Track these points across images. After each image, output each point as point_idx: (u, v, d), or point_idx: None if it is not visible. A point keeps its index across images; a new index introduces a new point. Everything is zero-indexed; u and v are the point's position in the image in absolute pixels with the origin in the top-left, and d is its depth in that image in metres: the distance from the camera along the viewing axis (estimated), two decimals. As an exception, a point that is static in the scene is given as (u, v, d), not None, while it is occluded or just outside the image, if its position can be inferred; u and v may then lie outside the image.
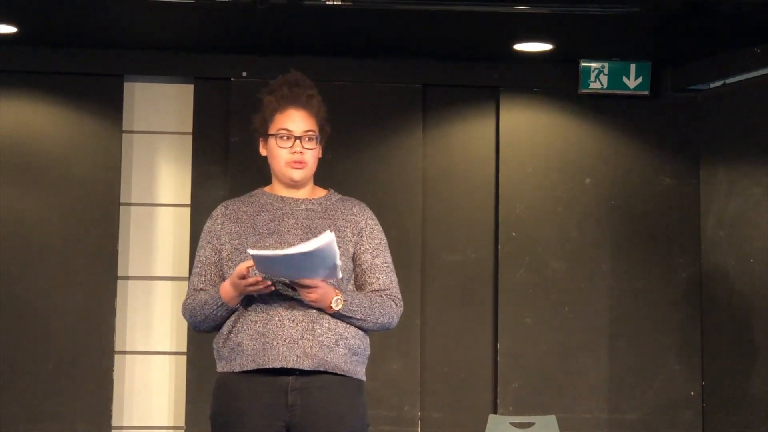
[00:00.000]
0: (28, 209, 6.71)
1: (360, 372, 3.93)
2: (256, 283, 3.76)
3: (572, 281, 6.89)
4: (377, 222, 4.03)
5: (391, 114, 6.91)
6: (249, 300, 3.87)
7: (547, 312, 6.86)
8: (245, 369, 3.84)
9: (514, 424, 6.51)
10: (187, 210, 6.84)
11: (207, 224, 4.04)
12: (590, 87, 6.85)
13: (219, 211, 4.04)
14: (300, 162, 3.96)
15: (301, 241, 3.85)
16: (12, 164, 6.72)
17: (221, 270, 3.96)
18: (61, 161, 6.75)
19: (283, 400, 3.83)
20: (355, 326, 3.89)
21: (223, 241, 3.96)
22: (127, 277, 6.81)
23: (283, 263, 3.71)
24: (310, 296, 3.79)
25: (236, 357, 3.86)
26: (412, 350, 6.76)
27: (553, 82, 6.97)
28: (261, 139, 4.03)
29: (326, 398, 3.83)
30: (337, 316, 3.84)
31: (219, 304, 3.87)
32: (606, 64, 6.83)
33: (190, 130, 6.89)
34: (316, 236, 3.85)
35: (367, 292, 3.93)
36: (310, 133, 3.98)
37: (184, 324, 6.74)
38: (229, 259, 3.92)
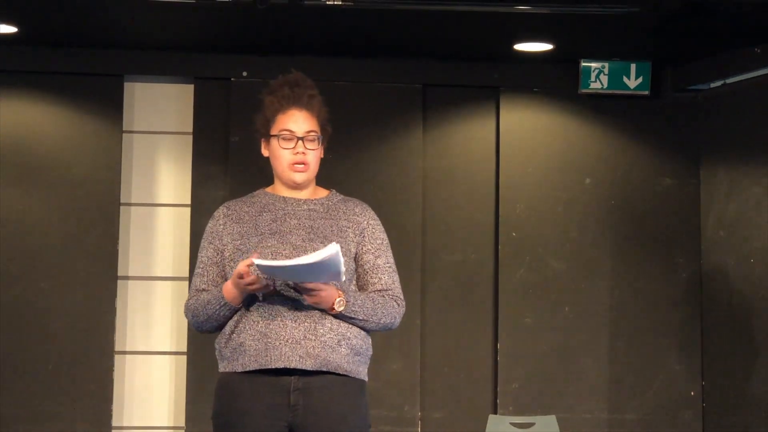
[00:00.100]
0: (28, 209, 6.71)
1: (362, 372, 3.93)
2: (255, 282, 3.76)
3: (572, 281, 6.89)
4: (379, 222, 4.02)
5: (391, 114, 6.91)
6: (251, 300, 3.87)
7: (547, 312, 6.86)
8: (247, 369, 3.84)
9: (514, 424, 6.51)
10: (187, 210, 6.83)
11: (209, 225, 4.04)
12: (590, 87, 6.85)
13: (221, 211, 4.04)
14: (302, 163, 3.96)
15: (303, 241, 3.86)
16: (12, 164, 6.72)
17: (223, 270, 3.96)
18: (61, 161, 6.75)
19: (285, 400, 3.83)
20: (358, 326, 3.89)
21: (225, 241, 3.96)
22: (127, 277, 6.81)
23: (288, 272, 3.72)
24: (313, 299, 3.79)
25: (238, 357, 3.86)
26: (412, 350, 6.76)
27: (553, 82, 6.97)
28: (263, 139, 4.03)
29: (328, 398, 3.83)
30: (339, 316, 3.84)
31: (222, 303, 3.87)
32: (606, 64, 6.83)
33: (191, 130, 6.89)
34: (318, 236, 3.86)
35: (370, 293, 3.93)
36: (312, 133, 3.98)
37: (184, 324, 6.75)
38: (231, 260, 3.92)
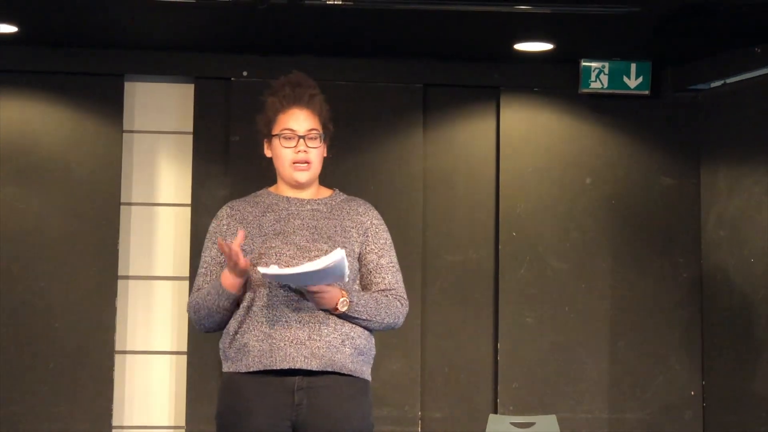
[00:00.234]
0: (28, 209, 6.71)
1: (366, 372, 3.94)
2: (236, 258, 3.74)
3: (573, 281, 6.89)
4: (383, 222, 4.03)
5: (391, 114, 6.91)
6: (255, 301, 3.86)
7: (547, 312, 6.86)
8: (251, 370, 3.84)
9: (514, 424, 6.51)
10: (188, 210, 6.84)
11: (212, 224, 4.04)
12: (591, 87, 6.85)
13: (224, 211, 4.04)
14: (304, 162, 3.96)
15: (308, 241, 3.86)
16: (12, 164, 6.72)
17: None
18: (61, 161, 6.75)
19: (289, 400, 3.83)
20: (361, 326, 3.90)
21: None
22: (127, 277, 6.81)
23: (293, 278, 3.74)
24: (317, 300, 3.80)
25: (242, 357, 3.86)
26: (412, 350, 6.76)
27: (553, 81, 6.97)
28: (265, 140, 4.03)
29: (332, 398, 3.83)
30: (343, 316, 3.85)
31: (220, 292, 3.87)
32: (606, 64, 6.83)
33: (191, 129, 6.89)
34: (322, 237, 3.87)
35: (373, 293, 3.93)
36: (314, 132, 3.98)
37: (185, 324, 6.75)
38: None
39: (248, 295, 3.88)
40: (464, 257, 6.90)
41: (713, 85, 6.89)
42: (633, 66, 6.83)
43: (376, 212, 4.04)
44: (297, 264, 3.83)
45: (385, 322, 3.92)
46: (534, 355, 6.83)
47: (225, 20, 6.28)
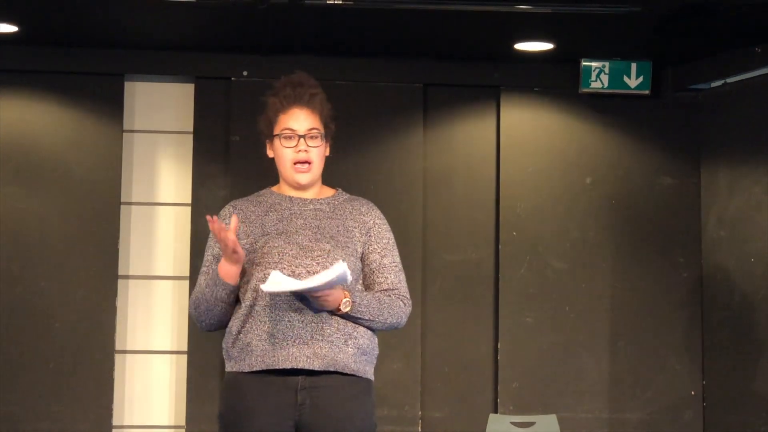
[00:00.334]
0: (28, 209, 6.71)
1: (369, 372, 3.94)
2: (225, 237, 3.75)
3: (573, 281, 6.89)
4: (385, 222, 4.03)
5: (391, 113, 6.91)
6: (257, 300, 3.86)
7: (547, 311, 6.86)
8: (254, 369, 3.84)
9: (514, 424, 6.51)
10: (188, 209, 6.84)
11: None
12: (591, 86, 6.85)
13: (227, 210, 4.03)
14: (305, 162, 3.96)
15: (310, 241, 3.87)
16: (12, 164, 6.72)
17: None
18: (61, 160, 6.75)
19: (292, 399, 3.83)
20: (364, 326, 3.90)
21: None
22: (127, 277, 6.81)
23: (297, 292, 3.76)
24: (320, 301, 3.80)
25: (245, 357, 3.86)
26: (412, 349, 6.76)
27: (553, 81, 6.97)
28: (267, 140, 4.03)
29: (335, 398, 3.83)
30: (345, 316, 3.85)
31: (217, 282, 3.87)
32: (607, 64, 6.83)
33: (191, 129, 6.89)
34: (324, 236, 3.88)
35: (376, 292, 3.93)
36: (314, 131, 3.98)
37: (185, 323, 6.75)
38: None
39: (251, 295, 3.88)
40: (464, 257, 6.90)
41: (713, 84, 6.89)
42: (633, 66, 6.83)
43: (379, 212, 4.04)
44: (299, 263, 3.84)
45: (388, 321, 3.93)
46: (534, 354, 6.83)
47: (225, 20, 6.28)
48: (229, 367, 3.93)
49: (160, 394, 6.80)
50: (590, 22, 6.12)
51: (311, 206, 3.98)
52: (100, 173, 6.75)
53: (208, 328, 4.01)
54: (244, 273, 3.90)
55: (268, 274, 3.81)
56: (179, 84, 6.93)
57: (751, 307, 6.53)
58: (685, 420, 6.81)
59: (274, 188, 4.05)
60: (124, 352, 6.78)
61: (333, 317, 3.85)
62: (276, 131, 3.98)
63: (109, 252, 6.72)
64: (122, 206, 6.80)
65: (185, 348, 6.75)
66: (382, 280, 3.96)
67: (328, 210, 3.98)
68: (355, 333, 3.87)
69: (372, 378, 3.96)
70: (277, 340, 3.82)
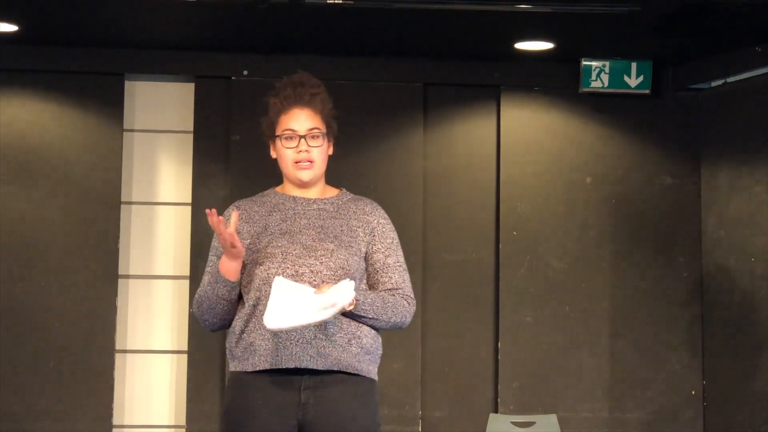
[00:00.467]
0: (29, 208, 6.71)
1: (372, 371, 3.93)
2: (224, 231, 3.75)
3: (573, 280, 6.89)
4: (389, 221, 4.03)
5: (392, 113, 6.91)
6: (260, 300, 3.85)
7: (547, 311, 6.86)
8: (258, 369, 3.84)
9: (515, 423, 6.52)
10: (188, 209, 6.84)
11: None
12: (591, 86, 6.85)
13: (231, 210, 4.03)
14: (306, 161, 3.96)
15: (314, 241, 3.87)
16: (13, 163, 6.72)
17: None
18: (62, 160, 6.75)
19: (295, 399, 3.82)
20: (368, 325, 3.89)
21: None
22: (127, 276, 6.81)
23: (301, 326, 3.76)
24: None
25: (249, 357, 3.86)
26: (413, 349, 6.76)
27: (554, 80, 6.97)
28: (270, 141, 4.03)
29: (339, 397, 3.83)
30: (349, 315, 3.84)
31: (218, 279, 3.87)
32: (607, 63, 6.83)
33: (191, 128, 6.89)
34: (328, 236, 3.89)
35: (380, 292, 3.93)
36: (315, 131, 3.98)
37: (185, 323, 6.75)
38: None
39: (254, 294, 3.87)
40: (464, 257, 6.90)
41: (714, 84, 6.89)
42: (633, 65, 6.83)
43: (382, 212, 4.04)
44: (303, 263, 3.83)
45: (392, 321, 3.92)
46: (534, 354, 6.82)
47: (225, 19, 6.28)
48: (233, 366, 3.92)
49: (160, 394, 6.80)
50: (590, 21, 6.12)
51: (315, 206, 3.98)
52: (101, 172, 6.75)
53: (212, 328, 4.00)
54: (247, 272, 3.89)
55: (272, 274, 3.82)
56: (179, 83, 6.93)
57: (751, 306, 6.53)
58: (686, 420, 6.81)
59: (278, 188, 4.05)
60: (125, 351, 6.78)
61: (336, 317, 3.84)
62: (278, 132, 3.98)
63: (109, 251, 6.72)
64: (122, 206, 6.80)
65: (185, 348, 6.75)
66: (386, 280, 3.95)
67: (331, 210, 3.98)
68: (358, 332, 3.87)
69: (376, 378, 3.95)
70: (280, 340, 3.82)
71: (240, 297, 3.94)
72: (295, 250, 3.87)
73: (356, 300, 3.81)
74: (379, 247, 3.97)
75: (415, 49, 6.79)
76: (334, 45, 6.73)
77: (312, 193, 4.01)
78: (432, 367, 6.82)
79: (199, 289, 3.98)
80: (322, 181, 4.05)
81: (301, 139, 3.96)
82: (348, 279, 3.80)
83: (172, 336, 6.82)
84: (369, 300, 3.86)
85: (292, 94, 3.99)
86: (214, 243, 4.00)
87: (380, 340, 3.96)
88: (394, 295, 3.93)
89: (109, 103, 6.80)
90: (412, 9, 5.95)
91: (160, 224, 6.88)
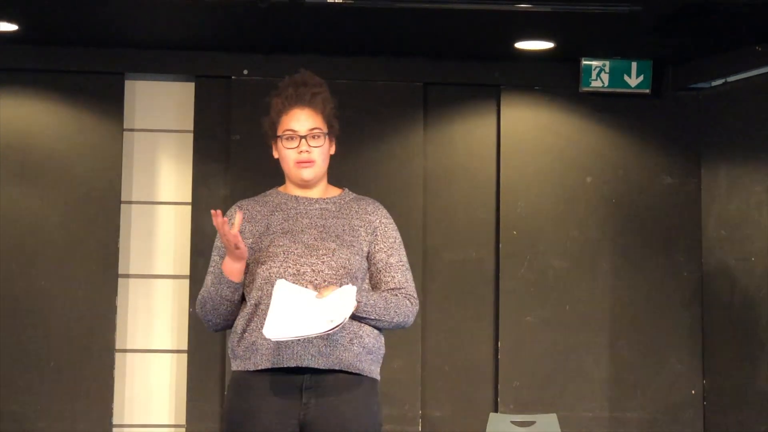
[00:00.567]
0: (29, 207, 6.71)
1: (374, 371, 3.93)
2: (228, 232, 3.75)
3: (573, 280, 6.89)
4: (392, 221, 4.02)
5: (392, 112, 6.91)
6: (262, 299, 3.85)
7: (548, 310, 6.86)
8: (260, 368, 3.83)
9: (515, 423, 6.51)
10: (188, 208, 6.84)
11: None
12: (591, 85, 6.85)
13: (233, 210, 4.02)
14: (308, 161, 3.96)
15: (315, 240, 3.87)
16: (13, 162, 6.72)
17: None
18: (62, 159, 6.75)
19: (296, 398, 3.82)
20: (371, 325, 3.89)
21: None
22: (127, 275, 6.81)
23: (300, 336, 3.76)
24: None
25: (251, 356, 3.85)
26: (413, 348, 6.76)
27: (554, 80, 6.97)
28: (272, 142, 4.02)
29: (340, 396, 3.82)
30: (352, 315, 3.83)
31: (221, 280, 3.86)
32: (607, 63, 6.83)
33: (191, 128, 6.89)
34: (330, 235, 3.89)
35: (382, 291, 3.92)
36: (316, 131, 3.97)
37: (185, 322, 6.75)
38: None
39: (256, 294, 3.87)
40: (465, 256, 6.90)
41: (714, 83, 6.89)
42: (634, 64, 6.83)
43: (385, 211, 4.04)
44: (304, 262, 3.83)
45: (395, 321, 3.92)
46: (534, 353, 6.82)
47: (226, 19, 6.28)
48: (235, 366, 3.92)
49: (161, 393, 6.80)
50: (591, 20, 6.11)
51: (317, 205, 3.97)
52: (101, 172, 6.75)
53: (215, 328, 4.00)
54: (249, 272, 3.89)
55: (274, 273, 3.82)
56: (180, 83, 6.93)
57: (752, 306, 6.53)
58: (686, 419, 6.81)
59: (281, 188, 4.05)
60: (125, 351, 6.78)
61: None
62: (279, 132, 3.98)
63: (109, 251, 6.72)
64: (122, 205, 6.80)
65: (185, 347, 6.75)
66: (389, 279, 3.95)
67: (334, 209, 3.98)
68: (360, 332, 3.86)
69: (378, 378, 3.95)
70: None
71: (242, 297, 3.93)
72: (296, 249, 3.86)
73: (358, 301, 3.81)
74: (382, 246, 3.96)
75: (415, 48, 6.79)
76: (334, 44, 6.73)
77: (314, 193, 4.00)
78: (432, 367, 6.82)
79: (202, 290, 3.97)
80: (325, 180, 4.05)
81: (302, 140, 3.95)
82: (350, 284, 3.79)
83: (172, 335, 6.82)
84: (371, 301, 3.86)
85: (293, 94, 3.98)
86: (217, 243, 3.99)
87: (383, 340, 3.96)
88: (396, 294, 3.93)
89: (109, 103, 6.80)
90: (412, 9, 5.95)
91: (160, 224, 6.88)
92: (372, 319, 3.87)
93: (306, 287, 3.79)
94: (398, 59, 6.90)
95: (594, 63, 6.83)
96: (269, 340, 3.78)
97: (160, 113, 6.92)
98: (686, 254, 6.91)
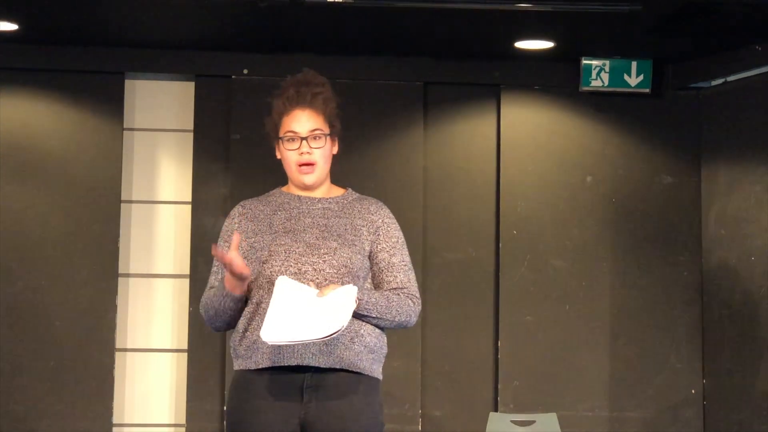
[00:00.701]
0: (29, 207, 6.71)
1: (376, 370, 3.93)
2: (230, 265, 3.74)
3: (573, 279, 6.89)
4: (394, 221, 4.02)
5: (392, 112, 6.91)
6: (264, 298, 3.85)
7: (548, 310, 6.86)
8: (261, 367, 3.83)
9: (515, 422, 6.52)
10: (188, 207, 6.84)
11: (225, 223, 4.03)
12: (591, 85, 6.85)
13: (236, 210, 4.03)
14: (309, 164, 3.95)
15: (317, 239, 3.87)
16: (13, 162, 6.72)
17: None
18: (62, 159, 6.75)
19: (298, 397, 3.82)
20: (372, 324, 3.89)
21: (239, 233, 3.95)
22: (128, 275, 6.81)
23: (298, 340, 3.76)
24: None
25: (252, 355, 3.85)
26: (413, 348, 6.76)
27: (554, 79, 6.97)
28: (275, 143, 4.02)
29: (341, 396, 3.82)
30: (353, 314, 3.83)
31: (224, 294, 3.86)
32: (607, 62, 6.83)
33: (191, 127, 6.89)
34: (332, 235, 3.89)
35: (384, 291, 3.92)
36: (317, 131, 3.96)
37: (185, 321, 6.75)
38: (246, 257, 3.89)
39: (257, 293, 3.87)
40: (465, 255, 6.90)
41: (714, 83, 6.89)
42: (634, 64, 6.83)
43: (388, 211, 4.03)
44: (306, 261, 3.83)
45: (397, 320, 3.91)
46: (534, 353, 6.83)
47: (226, 18, 6.28)
48: (237, 365, 3.92)
49: (161, 392, 6.80)
50: (591, 20, 6.12)
51: (320, 205, 3.97)
52: (101, 171, 6.76)
53: (219, 330, 4.01)
54: (251, 271, 3.88)
55: (275, 272, 3.82)
56: (180, 82, 6.93)
57: (752, 305, 6.53)
58: (686, 418, 6.82)
59: (284, 188, 4.05)
60: (125, 350, 6.78)
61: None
62: (280, 134, 3.98)
63: (109, 250, 6.72)
64: (122, 204, 6.80)
65: (185, 346, 6.75)
66: (391, 279, 3.94)
67: (336, 209, 3.97)
68: (362, 331, 3.86)
69: (380, 377, 3.94)
70: None
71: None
72: (298, 248, 3.86)
73: (359, 299, 3.80)
74: (384, 246, 3.96)
75: (415, 48, 6.79)
76: (334, 44, 6.73)
77: (317, 193, 4.00)
78: (432, 366, 6.82)
79: (205, 296, 3.96)
80: (328, 180, 4.04)
81: (303, 141, 3.95)
82: (352, 283, 3.79)
83: (172, 334, 6.83)
84: (373, 299, 3.85)
85: (294, 95, 3.97)
86: (220, 243, 3.99)
87: (385, 339, 3.95)
88: (398, 294, 3.93)
89: (109, 102, 6.80)
90: (412, 8, 5.95)
91: (160, 223, 6.88)
92: (373, 318, 3.86)
93: (308, 285, 3.79)
94: (398, 58, 6.90)
95: (594, 62, 6.83)
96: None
97: (160, 112, 6.92)
98: (686, 254, 6.91)
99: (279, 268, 3.83)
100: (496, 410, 6.74)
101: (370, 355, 3.89)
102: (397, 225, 4.02)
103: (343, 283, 3.79)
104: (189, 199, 6.84)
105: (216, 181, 6.80)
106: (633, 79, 6.84)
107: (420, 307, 3.98)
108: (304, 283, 3.78)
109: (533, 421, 6.52)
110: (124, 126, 6.84)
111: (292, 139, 3.96)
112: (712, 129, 6.88)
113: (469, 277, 6.89)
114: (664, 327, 6.88)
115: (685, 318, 6.88)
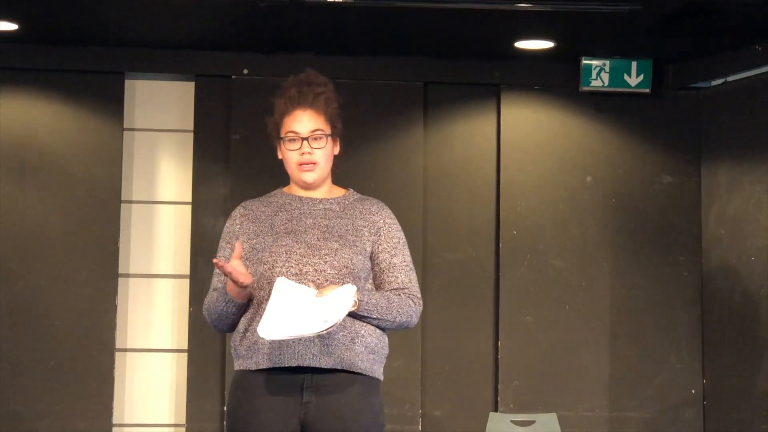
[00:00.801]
0: (29, 207, 6.71)
1: (377, 371, 3.93)
2: (233, 276, 3.74)
3: (573, 279, 6.89)
4: (396, 221, 4.02)
5: (392, 112, 6.91)
6: (265, 299, 3.84)
7: (548, 310, 6.86)
8: (261, 367, 3.83)
9: (515, 422, 6.52)
10: (188, 207, 6.84)
11: (227, 224, 4.03)
12: (591, 85, 6.85)
13: (238, 211, 4.02)
14: (309, 163, 3.95)
15: (318, 240, 3.87)
16: (13, 162, 6.72)
17: None
18: (62, 159, 6.75)
19: (298, 398, 3.82)
20: (373, 325, 3.88)
21: (241, 240, 3.95)
22: (128, 275, 6.81)
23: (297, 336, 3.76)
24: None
25: (253, 355, 3.85)
26: (413, 348, 6.76)
27: (554, 79, 6.96)
28: (276, 143, 4.02)
29: (342, 396, 3.82)
30: (353, 315, 3.83)
31: (226, 300, 3.86)
32: (607, 62, 6.83)
33: (191, 127, 6.89)
34: (333, 235, 3.89)
35: (385, 291, 3.91)
36: (318, 132, 3.96)
37: (185, 321, 6.75)
38: (247, 258, 3.90)
39: (259, 294, 3.87)
40: (465, 255, 6.90)
41: (714, 83, 6.89)
42: (634, 64, 6.83)
43: (389, 211, 4.03)
44: (307, 262, 3.83)
45: (398, 320, 3.91)
46: (534, 353, 6.83)
47: (226, 18, 6.28)
48: (237, 365, 3.92)
49: (161, 393, 6.80)
50: (591, 20, 6.12)
51: (321, 206, 3.97)
52: (101, 171, 6.75)
53: (222, 331, 4.01)
54: (251, 271, 3.87)
55: (276, 273, 3.82)
56: (180, 82, 6.93)
57: (752, 305, 6.53)
58: (686, 418, 6.82)
59: (285, 189, 4.04)
60: (125, 350, 6.78)
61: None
62: (282, 134, 3.98)
63: (109, 250, 6.72)
64: (122, 204, 6.80)
65: (185, 346, 6.75)
66: (392, 279, 3.94)
67: (337, 209, 3.97)
68: (362, 331, 3.86)
69: (380, 377, 3.94)
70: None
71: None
72: (299, 249, 3.86)
73: (359, 300, 3.80)
74: (385, 246, 3.96)
75: (415, 47, 6.79)
76: (334, 44, 6.73)
77: (318, 193, 4.00)
78: (432, 366, 6.82)
79: (208, 299, 3.96)
80: (329, 181, 4.04)
81: (304, 141, 3.95)
82: (353, 284, 3.79)
83: (172, 335, 6.82)
84: (373, 300, 3.85)
85: (295, 95, 3.97)
86: (222, 243, 3.99)
87: (386, 340, 3.95)
88: (399, 294, 3.92)
89: (109, 102, 6.80)
90: (412, 8, 5.95)
91: (160, 223, 6.88)
92: (374, 318, 3.86)
93: (308, 286, 3.79)
94: (398, 58, 6.90)
95: (594, 62, 6.83)
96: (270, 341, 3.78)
97: (160, 112, 6.92)
98: (686, 253, 6.91)
99: (280, 269, 3.83)
100: (496, 410, 6.74)
101: (370, 355, 3.89)
102: (399, 225, 4.02)
103: (343, 284, 3.79)
104: (189, 199, 6.84)
105: (216, 181, 6.80)
106: (633, 79, 6.84)
107: (421, 308, 3.97)
108: (303, 283, 3.78)
109: (533, 421, 6.52)
110: (124, 126, 6.84)
111: (293, 140, 3.95)
112: (712, 129, 6.88)
113: (469, 277, 6.89)
114: (664, 327, 6.88)
115: (685, 318, 6.88)
